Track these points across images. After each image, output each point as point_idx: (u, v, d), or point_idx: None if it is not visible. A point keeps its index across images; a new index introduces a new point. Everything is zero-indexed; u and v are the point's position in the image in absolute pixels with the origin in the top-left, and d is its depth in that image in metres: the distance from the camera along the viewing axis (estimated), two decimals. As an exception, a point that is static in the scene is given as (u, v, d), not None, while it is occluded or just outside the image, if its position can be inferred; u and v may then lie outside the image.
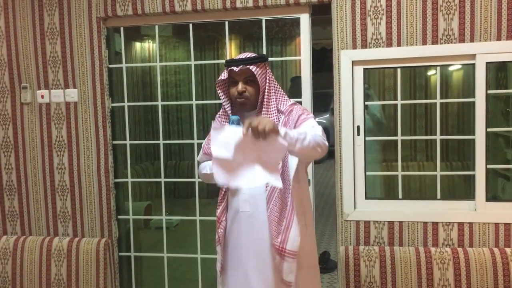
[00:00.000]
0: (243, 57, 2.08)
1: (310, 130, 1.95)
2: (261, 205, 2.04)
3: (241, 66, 2.04)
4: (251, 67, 2.04)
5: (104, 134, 3.09)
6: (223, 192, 2.18)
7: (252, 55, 2.09)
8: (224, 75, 2.11)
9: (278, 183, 1.85)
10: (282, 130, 1.79)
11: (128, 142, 3.18)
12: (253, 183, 1.88)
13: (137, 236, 3.41)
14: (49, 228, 3.21)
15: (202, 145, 2.29)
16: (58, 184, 3.17)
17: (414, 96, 4.44)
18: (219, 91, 2.15)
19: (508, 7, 2.59)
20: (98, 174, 3.12)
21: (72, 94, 3.10)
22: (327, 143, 1.95)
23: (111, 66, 3.13)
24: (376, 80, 4.44)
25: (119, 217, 3.21)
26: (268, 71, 2.11)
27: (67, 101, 3.11)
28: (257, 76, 2.04)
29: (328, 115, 9.93)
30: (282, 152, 1.87)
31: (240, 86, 2.06)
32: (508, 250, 2.61)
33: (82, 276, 3.04)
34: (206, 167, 2.20)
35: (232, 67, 2.06)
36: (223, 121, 2.15)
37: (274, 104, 2.09)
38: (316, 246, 2.28)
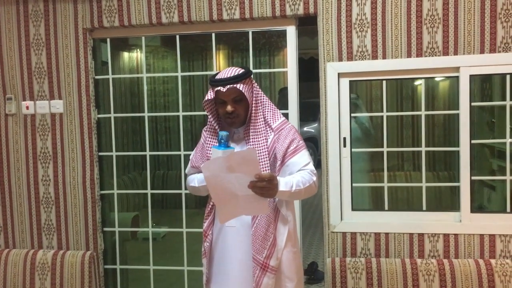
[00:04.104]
0: (229, 75, 2.00)
1: (304, 175, 1.97)
2: (247, 220, 2.03)
3: (228, 86, 1.98)
4: (238, 85, 1.98)
5: (90, 145, 3.07)
6: (210, 206, 2.17)
7: (237, 72, 2.01)
8: (210, 95, 2.06)
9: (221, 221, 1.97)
10: (279, 192, 1.86)
11: (114, 153, 3.16)
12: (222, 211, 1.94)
13: (123, 248, 3.37)
14: (33, 241, 3.17)
15: (190, 157, 2.28)
16: (43, 196, 3.13)
17: (401, 106, 4.47)
18: (207, 111, 2.11)
19: (491, 20, 2.62)
20: (83, 186, 3.09)
21: (58, 105, 3.07)
22: (316, 185, 2.02)
23: (97, 77, 3.11)
24: (364, 90, 4.48)
25: (105, 229, 3.18)
26: (254, 84, 2.09)
27: (52, 112, 3.09)
28: (245, 94, 2.00)
29: (316, 124, 9.96)
30: (259, 213, 1.95)
31: (229, 107, 2.01)
32: (493, 261, 2.62)
33: (67, 289, 3.00)
34: (194, 180, 2.19)
35: (219, 88, 2.00)
36: (210, 136, 2.14)
37: (261, 117, 2.07)
38: (302, 259, 2.28)
